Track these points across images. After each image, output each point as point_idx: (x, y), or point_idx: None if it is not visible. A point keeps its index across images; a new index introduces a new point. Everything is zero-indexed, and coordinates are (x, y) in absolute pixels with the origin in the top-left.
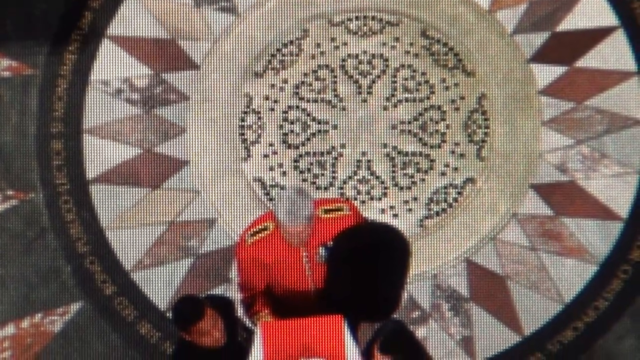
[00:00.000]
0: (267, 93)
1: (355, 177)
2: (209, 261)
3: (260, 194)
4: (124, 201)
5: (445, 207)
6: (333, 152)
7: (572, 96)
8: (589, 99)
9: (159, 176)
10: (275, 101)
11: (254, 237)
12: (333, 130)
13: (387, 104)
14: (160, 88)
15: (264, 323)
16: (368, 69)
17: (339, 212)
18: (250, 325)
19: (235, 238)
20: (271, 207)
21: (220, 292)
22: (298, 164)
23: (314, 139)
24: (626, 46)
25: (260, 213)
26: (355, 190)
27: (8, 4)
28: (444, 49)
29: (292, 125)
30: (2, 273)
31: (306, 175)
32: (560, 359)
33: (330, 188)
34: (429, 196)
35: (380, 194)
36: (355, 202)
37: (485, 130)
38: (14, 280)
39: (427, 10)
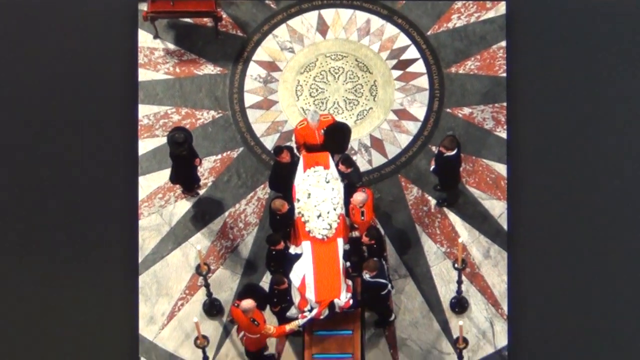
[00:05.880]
0: (305, 79)
1: (333, 107)
2: (285, 134)
3: (303, 112)
4: (257, 114)
5: (363, 116)
6: (325, 99)
7: (402, 80)
8: (410, 82)
9: (269, 105)
10: (307, 81)
11: (300, 126)
12: (325, 92)
13: (344, 83)
14: (270, 77)
15: (303, 154)
16: (338, 71)
17: (328, 118)
18: (298, 155)
19: (293, 126)
20: (306, 116)
21: (289, 144)
22: (315, 102)
23: (319, 95)
24: (422, 65)
25: (302, 117)
26: (333, 111)
27: (210, 47)
28: (362, 64)
29: (312, 90)
30: (216, 140)
31: (317, 106)
32: (400, 168)
33: (325, 110)
34: (357, 113)
35: (341, 112)
36: (333, 114)
37: (376, 91)
38: (219, 141)
39: (357, 52)
